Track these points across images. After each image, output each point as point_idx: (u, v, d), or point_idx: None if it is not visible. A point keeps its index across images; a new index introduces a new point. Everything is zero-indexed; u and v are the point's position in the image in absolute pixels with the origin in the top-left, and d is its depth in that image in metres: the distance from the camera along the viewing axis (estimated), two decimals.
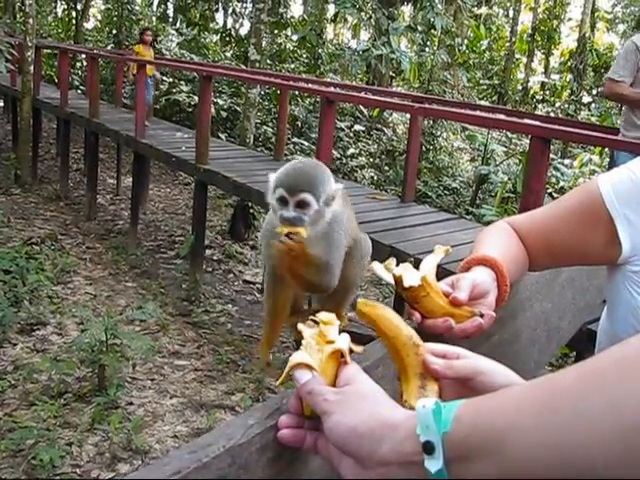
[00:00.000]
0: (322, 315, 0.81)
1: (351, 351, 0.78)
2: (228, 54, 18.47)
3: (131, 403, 4.94)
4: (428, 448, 0.63)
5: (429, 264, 1.05)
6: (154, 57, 11.34)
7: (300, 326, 0.80)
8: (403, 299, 1.01)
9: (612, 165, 4.90)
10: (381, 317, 0.82)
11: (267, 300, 1.39)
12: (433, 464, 0.62)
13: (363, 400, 0.70)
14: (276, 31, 17.31)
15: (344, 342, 0.77)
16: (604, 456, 0.55)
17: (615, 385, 0.56)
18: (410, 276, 0.98)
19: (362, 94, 8.34)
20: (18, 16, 17.79)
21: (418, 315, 0.99)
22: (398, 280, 0.98)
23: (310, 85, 8.98)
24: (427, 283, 0.98)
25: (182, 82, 14.83)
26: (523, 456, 0.59)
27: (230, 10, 22.10)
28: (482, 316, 0.98)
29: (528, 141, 5.39)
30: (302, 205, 1.13)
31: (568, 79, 19.94)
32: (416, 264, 1.03)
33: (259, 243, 8.89)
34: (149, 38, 11.20)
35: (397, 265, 1.02)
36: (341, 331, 0.80)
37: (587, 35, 19.01)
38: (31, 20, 10.45)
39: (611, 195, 1.14)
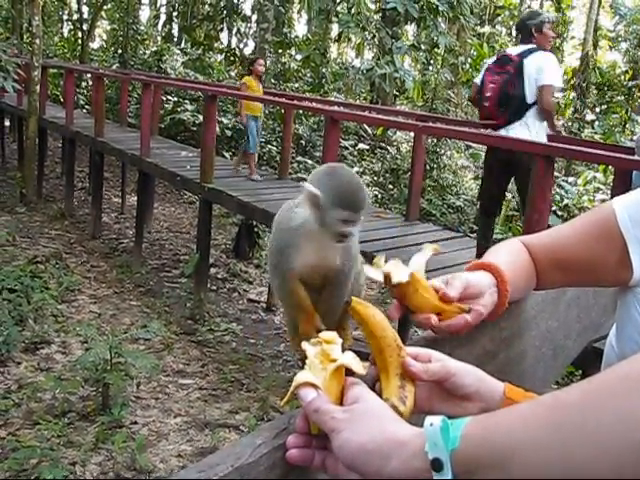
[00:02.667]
0: (324, 334, 0.82)
1: (352, 372, 0.79)
2: (232, 73, 18.57)
3: (135, 422, 4.93)
4: (437, 465, 0.63)
5: (418, 261, 1.05)
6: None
7: (304, 344, 0.81)
8: (408, 311, 1.02)
9: (620, 184, 4.87)
10: (371, 317, 0.84)
11: (288, 299, 1.41)
12: None
13: (371, 418, 0.71)
14: (280, 50, 17.44)
15: (347, 359, 0.78)
16: (612, 471, 0.55)
17: (622, 400, 0.56)
18: (399, 272, 0.98)
19: (366, 113, 8.37)
20: (25, 36, 17.94)
21: (395, 308, 1.01)
22: (387, 276, 0.98)
23: (314, 104, 9.01)
24: (416, 279, 0.98)
25: (187, 101, 14.90)
26: (531, 472, 0.59)
27: (235, 30, 22.30)
28: (469, 312, 0.99)
29: None
30: (358, 220, 1.24)
31: (571, 97, 19.99)
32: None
33: (265, 260, 8.88)
34: (262, 69, 8.96)
35: (386, 262, 1.03)
36: (345, 350, 0.81)
37: (590, 53, 19.06)
38: (38, 40, 10.54)
39: (625, 217, 1.14)
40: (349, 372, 0.79)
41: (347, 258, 1.32)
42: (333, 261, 1.30)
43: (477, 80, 5.55)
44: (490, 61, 5.57)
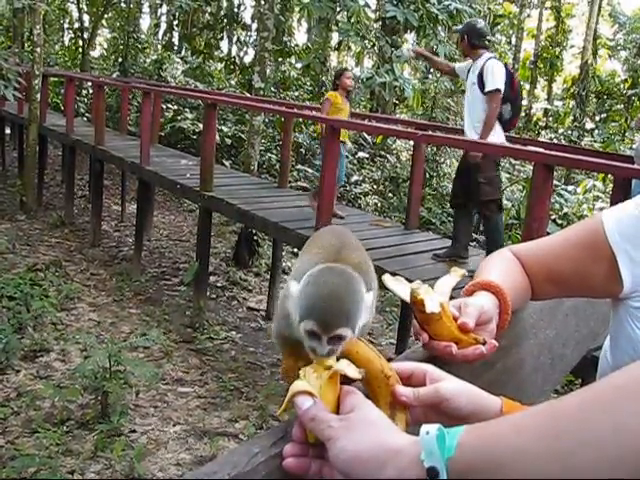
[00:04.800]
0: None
1: (351, 380, 0.79)
2: (232, 82, 18.61)
3: (134, 430, 4.92)
4: (432, 474, 0.63)
5: (445, 287, 1.06)
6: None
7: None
8: (407, 321, 1.02)
9: (619, 192, 4.92)
10: (354, 354, 0.83)
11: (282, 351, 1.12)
12: None
13: (368, 426, 0.71)
14: (280, 59, 17.46)
15: (342, 365, 0.78)
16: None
17: (617, 410, 0.56)
18: (431, 301, 0.99)
19: (366, 121, 8.39)
20: (26, 45, 17.98)
21: (426, 336, 1.01)
22: (419, 303, 0.98)
23: (314, 113, 9.03)
24: (443, 309, 0.99)
25: (187, 109, 14.93)
26: None
27: (235, 38, 22.33)
28: (485, 344, 0.99)
29: (532, 167, 5.40)
30: (337, 338, 0.87)
31: (571, 105, 20.04)
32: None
33: (264, 269, 8.87)
34: (350, 82, 7.19)
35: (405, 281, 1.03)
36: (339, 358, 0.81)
37: (589, 62, 19.13)
38: (39, 49, 10.58)
39: (614, 230, 1.14)
40: (344, 379, 0.79)
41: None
42: None
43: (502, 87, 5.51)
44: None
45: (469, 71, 5.71)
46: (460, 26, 5.62)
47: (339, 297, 0.89)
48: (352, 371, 0.79)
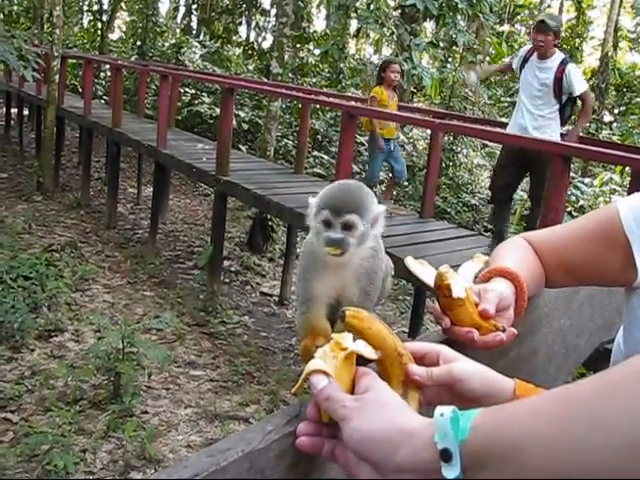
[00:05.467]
0: (335, 335, 0.82)
1: (367, 360, 0.79)
2: (250, 67, 18.58)
3: (146, 412, 4.96)
4: (446, 456, 0.63)
5: (469, 272, 1.06)
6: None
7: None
8: (420, 309, 1.02)
9: (637, 185, 4.93)
10: (367, 330, 0.84)
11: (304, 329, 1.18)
12: (450, 472, 0.63)
13: (381, 407, 0.71)
14: (298, 45, 17.40)
15: (358, 346, 0.79)
16: (623, 465, 0.55)
17: (633, 396, 0.56)
18: (456, 285, 0.99)
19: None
20: (46, 26, 18.03)
21: (448, 320, 1.01)
22: (444, 288, 0.98)
23: (332, 99, 9.01)
24: (466, 295, 0.99)
25: (204, 94, 14.92)
26: (540, 465, 0.59)
27: (253, 24, 22.30)
28: (504, 331, 0.99)
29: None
30: (348, 227, 1.05)
31: None
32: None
33: (279, 254, 8.89)
34: (396, 76, 6.89)
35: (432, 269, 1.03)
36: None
37: (610, 54, 18.93)
38: (58, 31, 10.58)
39: (629, 219, 1.14)
40: (360, 359, 0.80)
41: (368, 283, 1.13)
42: (351, 289, 1.12)
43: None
44: None
45: (524, 65, 5.78)
46: (552, 21, 5.62)
47: (349, 190, 1.09)
48: (369, 351, 0.80)
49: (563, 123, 5.79)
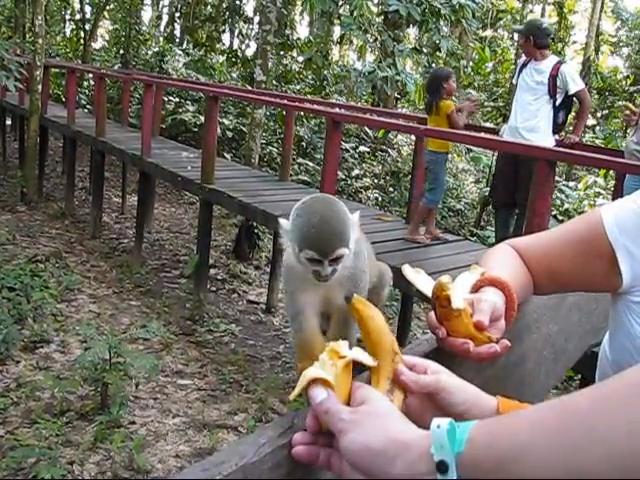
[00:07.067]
0: (332, 343, 0.82)
1: (365, 366, 0.80)
2: (234, 75, 18.57)
3: (134, 422, 4.93)
4: (442, 468, 0.63)
5: (465, 283, 1.05)
6: None
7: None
8: (407, 315, 1.02)
9: (620, 189, 5.01)
10: (369, 319, 0.84)
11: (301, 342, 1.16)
12: None
13: (378, 419, 0.71)
14: (282, 52, 17.42)
15: (356, 353, 0.79)
16: (616, 478, 0.55)
17: (630, 407, 0.56)
18: (456, 296, 0.99)
19: (367, 115, 8.38)
20: (28, 36, 17.94)
21: (444, 330, 1.01)
22: (443, 298, 0.98)
23: (316, 106, 9.02)
24: (465, 306, 0.99)
25: (188, 102, 14.90)
26: (536, 477, 0.59)
27: (237, 31, 22.32)
28: (497, 343, 1.00)
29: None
30: (336, 259, 1.02)
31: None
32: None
33: (265, 262, 8.87)
34: (453, 86, 6.04)
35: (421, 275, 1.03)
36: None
37: (591, 58, 19.08)
38: (40, 40, 10.54)
39: (613, 226, 1.15)
40: (357, 365, 0.80)
41: (353, 288, 1.10)
42: (337, 298, 1.10)
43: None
44: None
45: (522, 69, 5.90)
46: (519, 26, 5.77)
47: (330, 223, 1.02)
48: (366, 358, 0.80)
49: (557, 129, 5.82)
